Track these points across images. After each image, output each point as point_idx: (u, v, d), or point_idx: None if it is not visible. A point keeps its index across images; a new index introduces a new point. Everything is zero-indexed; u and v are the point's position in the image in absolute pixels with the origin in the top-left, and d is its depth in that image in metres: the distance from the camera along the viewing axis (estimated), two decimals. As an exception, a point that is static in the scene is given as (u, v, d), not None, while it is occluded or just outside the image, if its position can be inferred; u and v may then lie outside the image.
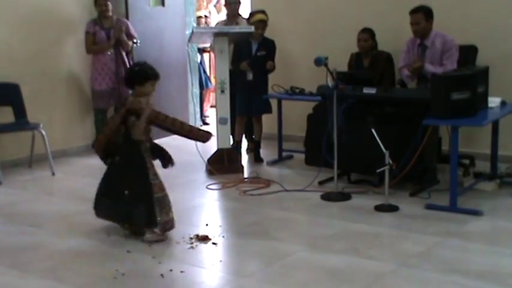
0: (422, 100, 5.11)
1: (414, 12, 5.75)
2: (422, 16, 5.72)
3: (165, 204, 4.37)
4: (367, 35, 6.26)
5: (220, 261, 4.08)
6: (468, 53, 5.97)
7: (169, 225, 4.40)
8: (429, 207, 4.95)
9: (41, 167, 6.57)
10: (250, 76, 6.62)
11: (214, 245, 4.30)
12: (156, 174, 4.42)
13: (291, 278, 3.77)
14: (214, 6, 10.47)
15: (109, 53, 7.12)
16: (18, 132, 6.52)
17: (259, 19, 6.60)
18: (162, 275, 3.80)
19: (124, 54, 7.27)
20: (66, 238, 4.51)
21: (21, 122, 6.48)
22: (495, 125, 5.59)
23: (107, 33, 7.15)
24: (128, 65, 7.32)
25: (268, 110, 6.82)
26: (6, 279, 3.86)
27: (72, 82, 7.32)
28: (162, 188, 4.39)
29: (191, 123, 8.56)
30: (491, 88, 5.30)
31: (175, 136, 8.42)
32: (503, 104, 5.42)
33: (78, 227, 4.66)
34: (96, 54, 7.15)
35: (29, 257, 4.18)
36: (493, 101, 5.32)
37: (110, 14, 7.20)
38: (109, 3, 7.17)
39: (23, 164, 6.69)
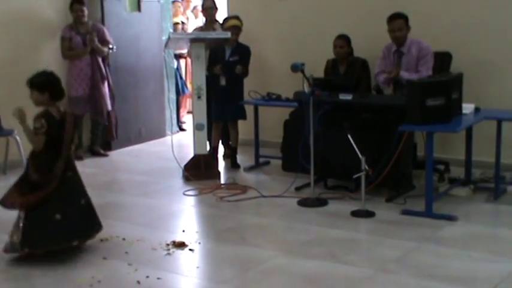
0: (398, 106, 5.16)
1: (396, 18, 5.77)
2: (404, 22, 5.76)
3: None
4: (343, 41, 6.29)
5: (197, 267, 4.07)
6: (442, 59, 6.03)
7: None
8: (405, 212, 4.99)
9: (15, 173, 6.39)
10: (223, 81, 6.61)
11: (191, 252, 4.29)
12: None
13: (267, 284, 3.78)
14: (192, 11, 10.46)
15: (86, 57, 7.09)
16: (-8, 138, 6.46)
17: (232, 25, 6.61)
18: (138, 282, 3.78)
19: (100, 59, 7.25)
20: (41, 245, 4.46)
21: (-5, 128, 6.42)
22: (469, 131, 5.65)
23: (82, 39, 7.12)
24: (103, 71, 7.30)
25: (243, 116, 6.81)
26: (-21, 287, 3.81)
27: (48, 88, 7.25)
28: None
29: (168, 129, 8.56)
30: (465, 94, 5.36)
31: (151, 142, 8.43)
32: (476, 110, 5.48)
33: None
34: (72, 60, 7.11)
35: (2, 264, 4.13)
36: (467, 108, 5.38)
37: (86, 19, 7.17)
38: (85, 8, 7.14)
39: (-3, 170, 6.63)
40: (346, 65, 6.30)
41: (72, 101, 7.09)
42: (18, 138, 6.31)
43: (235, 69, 6.55)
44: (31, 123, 4.19)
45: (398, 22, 5.76)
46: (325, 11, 7.08)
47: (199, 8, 8.83)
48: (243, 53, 6.68)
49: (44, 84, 4.25)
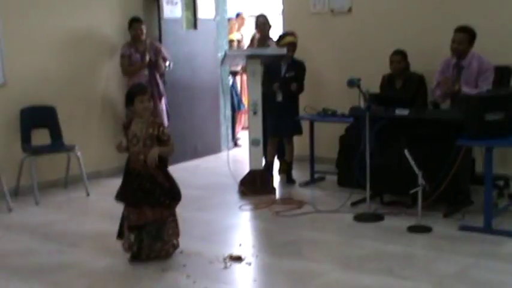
0: (455, 121, 5.10)
1: (461, 31, 5.69)
2: (467, 37, 5.66)
3: None
4: (400, 56, 6.26)
5: (254, 280, 4.10)
6: (502, 74, 5.93)
7: None
8: (463, 228, 4.91)
9: (76, 188, 6.67)
10: (279, 97, 6.65)
11: (247, 265, 4.32)
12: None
13: (324, 298, 3.78)
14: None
15: (145, 74, 7.24)
16: (54, 154, 6.63)
17: (289, 41, 6.63)
18: (196, 294, 3.83)
19: (157, 76, 7.39)
20: (101, 257, 4.57)
21: (57, 143, 6.60)
22: (530, 146, 5.55)
23: (141, 56, 7.27)
24: (160, 87, 7.44)
25: (299, 131, 6.83)
26: (43, 297, 3.93)
27: (107, 104, 7.43)
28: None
29: (223, 145, 8.64)
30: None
31: (207, 158, 8.49)
32: (537, 124, 5.37)
33: (113, 246, 4.68)
34: (131, 76, 7.26)
35: (65, 276, 4.25)
36: (528, 122, 5.28)
37: (144, 37, 7.33)
38: (143, 26, 7.30)
39: (59, 185, 6.80)
40: (402, 80, 6.26)
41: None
42: (79, 154, 6.48)
43: (290, 86, 6.59)
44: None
45: (459, 35, 5.67)
46: (380, 26, 7.06)
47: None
48: (299, 69, 6.71)
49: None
